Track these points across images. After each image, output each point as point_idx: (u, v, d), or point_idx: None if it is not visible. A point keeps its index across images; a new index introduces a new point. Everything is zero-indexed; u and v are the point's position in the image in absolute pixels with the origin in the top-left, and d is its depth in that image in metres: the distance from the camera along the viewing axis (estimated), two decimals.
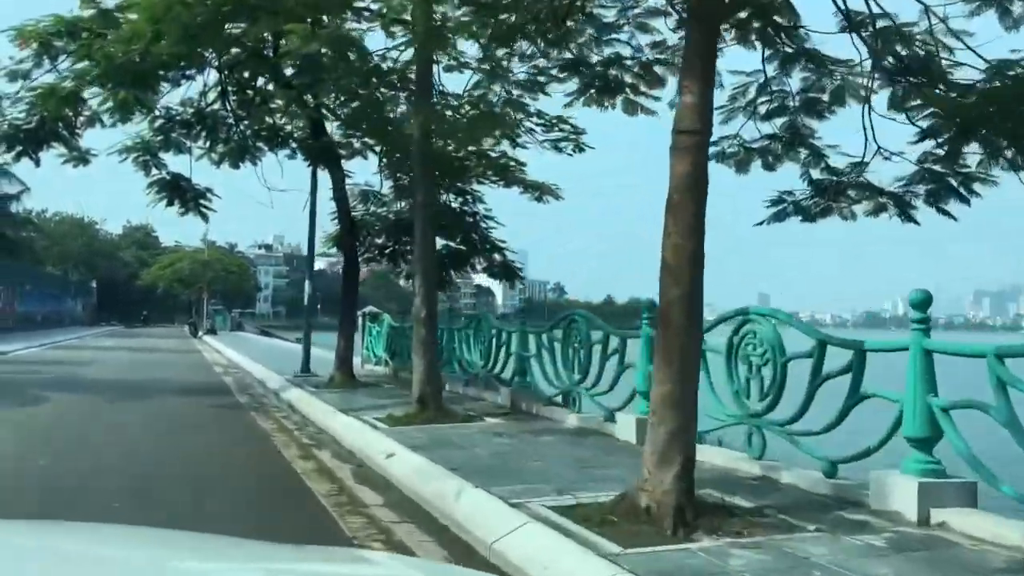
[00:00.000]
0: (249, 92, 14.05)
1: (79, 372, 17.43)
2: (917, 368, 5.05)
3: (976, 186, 8.04)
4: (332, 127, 14.60)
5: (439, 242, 16.26)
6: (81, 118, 13.51)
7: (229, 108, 14.53)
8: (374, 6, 10.42)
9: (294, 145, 14.67)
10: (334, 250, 17.05)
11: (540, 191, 14.13)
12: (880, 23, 7.49)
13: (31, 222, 61.02)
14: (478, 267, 15.65)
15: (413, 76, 10.44)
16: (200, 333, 45.38)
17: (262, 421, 10.92)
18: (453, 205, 14.93)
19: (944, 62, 7.44)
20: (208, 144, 14.78)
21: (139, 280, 66.58)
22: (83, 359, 21.87)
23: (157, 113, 14.04)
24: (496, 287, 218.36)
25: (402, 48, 10.14)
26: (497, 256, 15.15)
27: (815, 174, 8.75)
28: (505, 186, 14.23)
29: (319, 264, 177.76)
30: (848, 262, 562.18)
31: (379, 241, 16.02)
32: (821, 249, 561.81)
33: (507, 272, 15.40)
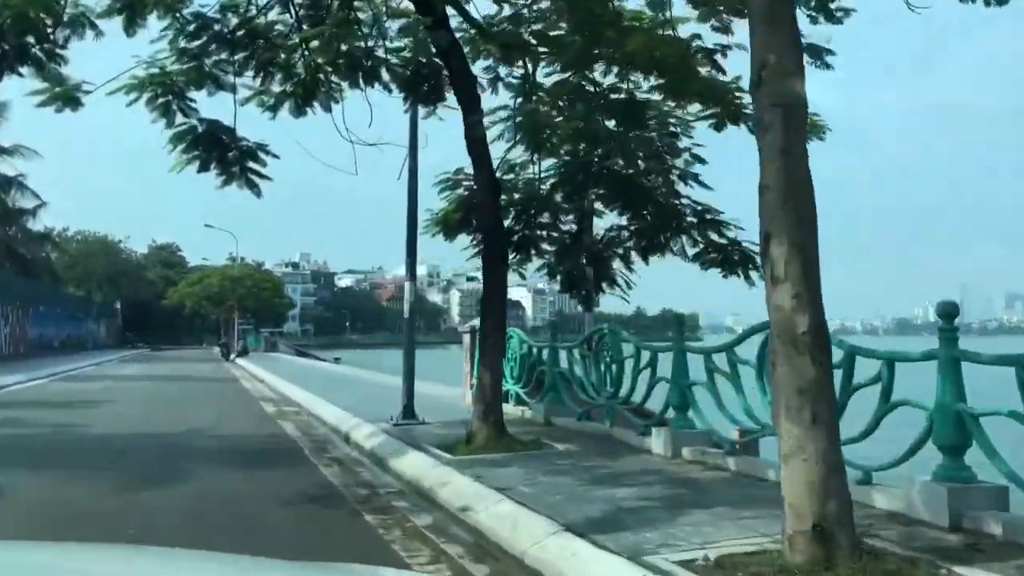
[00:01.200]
0: None
1: (78, 422, 12.13)
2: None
3: None
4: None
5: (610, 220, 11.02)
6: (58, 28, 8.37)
7: (294, 13, 9.30)
8: None
9: (394, 73, 9.31)
10: (440, 236, 11.48)
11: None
12: None
13: (49, 239, 56.46)
14: (686, 249, 10.08)
15: None
16: (232, 355, 40.30)
17: (404, 546, 5.50)
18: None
19: None
20: (261, 78, 9.54)
21: (165, 299, 61.65)
22: (93, 396, 16.67)
23: (183, 18, 8.85)
24: (527, 300, 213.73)
25: None
26: (716, 235, 9.66)
27: None
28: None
29: (345, 281, 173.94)
30: (877, 268, 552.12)
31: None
32: (850, 255, 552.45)
33: (742, 261, 9.63)
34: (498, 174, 10.53)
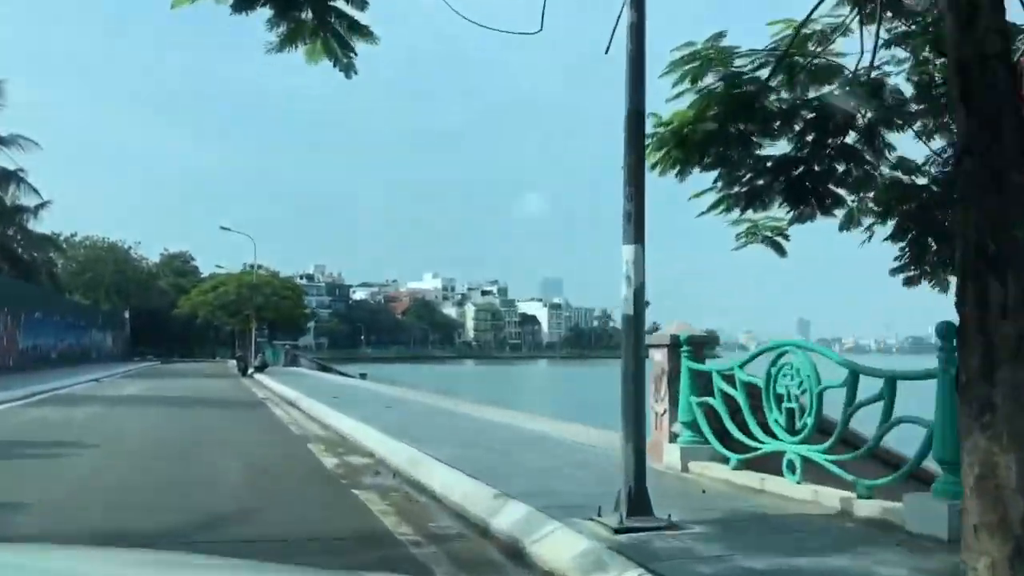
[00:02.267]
0: None
1: (11, 495, 6.87)
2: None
3: None
4: None
5: None
6: None
7: None
8: None
9: None
10: (668, 168, 5.99)
11: None
12: None
13: (52, 242, 51.47)
14: None
15: None
16: (250, 370, 35.06)
17: None
18: None
19: None
20: None
21: (177, 309, 56.45)
22: (60, 435, 11.40)
23: None
24: (542, 315, 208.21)
25: None
26: None
27: None
28: None
29: (359, 294, 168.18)
30: (891, 286, 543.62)
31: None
32: (862, 272, 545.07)
33: None
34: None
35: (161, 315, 69.51)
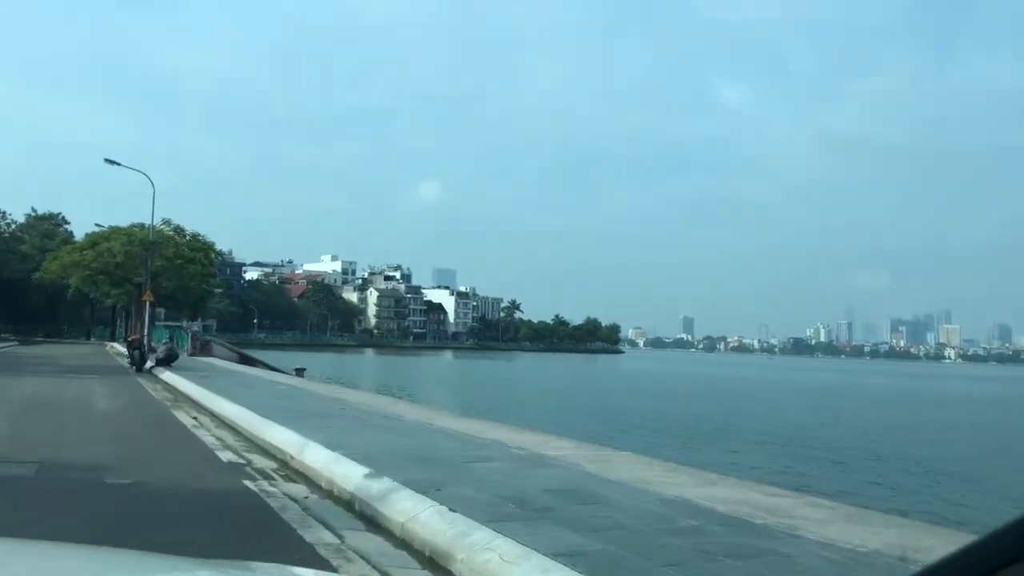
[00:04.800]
0: None
1: None
2: None
3: None
4: None
5: None
6: None
7: None
8: None
9: None
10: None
11: None
12: None
13: None
14: None
15: None
16: (149, 363, 23.51)
17: None
18: None
19: None
20: None
21: (41, 273, 42.92)
22: None
23: None
24: (449, 303, 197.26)
25: None
26: None
27: None
28: None
29: (251, 274, 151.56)
30: (769, 288, 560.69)
31: None
32: (743, 275, 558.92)
33: None
34: None
35: (21, 285, 55.34)
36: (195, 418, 11.96)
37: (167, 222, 36.26)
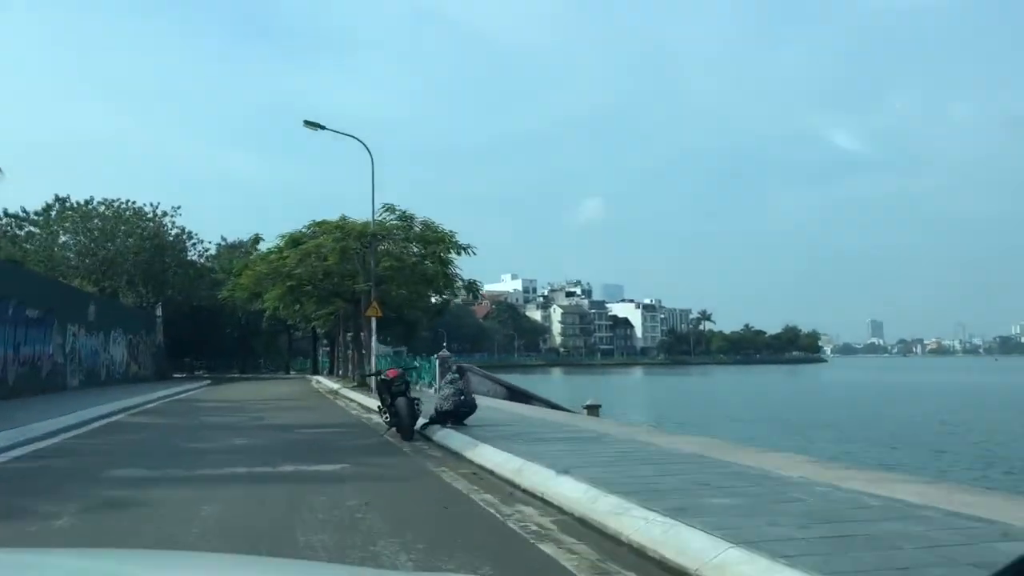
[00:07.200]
0: None
1: None
2: None
3: None
4: None
5: None
6: None
7: None
8: None
9: None
10: None
11: None
12: None
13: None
14: None
15: None
16: (421, 421, 11.73)
17: None
18: None
19: None
20: None
21: (227, 294, 32.93)
22: None
23: None
24: (635, 317, 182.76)
25: None
26: None
27: None
28: None
29: (433, 297, 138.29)
30: (962, 284, 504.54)
31: None
32: (932, 272, 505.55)
33: None
34: None
35: (213, 315, 47.24)
36: None
37: (390, 208, 25.06)
